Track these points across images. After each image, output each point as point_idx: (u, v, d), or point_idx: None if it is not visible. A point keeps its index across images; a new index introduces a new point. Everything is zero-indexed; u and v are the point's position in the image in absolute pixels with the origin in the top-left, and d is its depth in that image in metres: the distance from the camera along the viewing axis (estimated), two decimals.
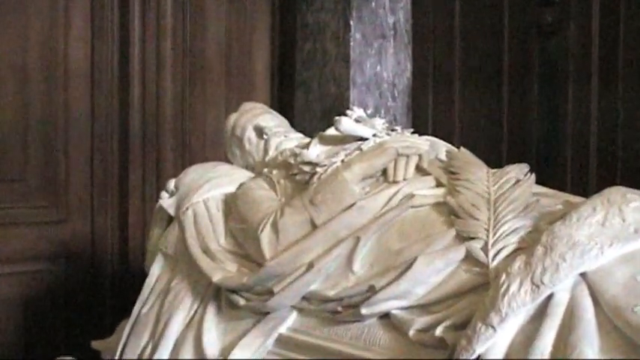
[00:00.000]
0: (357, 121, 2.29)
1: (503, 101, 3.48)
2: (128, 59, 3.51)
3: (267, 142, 2.52)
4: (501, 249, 1.76)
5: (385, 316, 1.88)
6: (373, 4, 3.61)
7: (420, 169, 2.10)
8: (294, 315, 2.05)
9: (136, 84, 3.52)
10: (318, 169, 2.15)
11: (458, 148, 2.24)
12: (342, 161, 2.14)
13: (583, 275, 1.62)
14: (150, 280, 2.38)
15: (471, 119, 3.59)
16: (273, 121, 2.61)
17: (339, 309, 1.94)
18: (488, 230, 1.80)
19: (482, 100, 3.55)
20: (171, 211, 2.43)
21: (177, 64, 3.63)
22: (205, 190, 2.39)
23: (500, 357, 1.58)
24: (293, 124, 2.80)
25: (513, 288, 1.61)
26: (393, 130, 2.29)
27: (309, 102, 3.71)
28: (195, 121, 3.69)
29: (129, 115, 3.51)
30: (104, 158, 3.50)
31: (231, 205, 2.31)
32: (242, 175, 2.46)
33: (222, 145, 2.78)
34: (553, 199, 1.94)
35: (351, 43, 3.54)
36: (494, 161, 2.23)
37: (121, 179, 3.53)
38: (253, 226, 2.12)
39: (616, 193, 1.75)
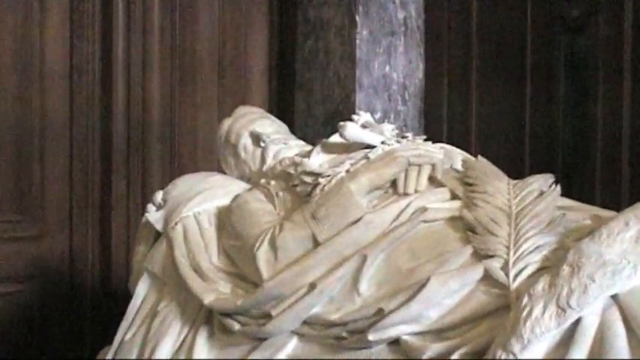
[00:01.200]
0: (363, 126, 2.30)
1: (526, 104, 3.49)
2: (111, 58, 3.52)
3: (264, 150, 2.52)
4: (523, 268, 1.76)
5: (395, 343, 1.88)
6: None
7: (433, 180, 2.10)
8: (294, 341, 2.05)
9: (119, 85, 3.53)
10: (321, 180, 2.16)
11: (475, 156, 2.24)
12: (348, 171, 2.15)
13: (614, 297, 1.63)
14: (135, 302, 2.38)
15: (490, 125, 3.60)
16: (271, 126, 2.62)
17: (344, 334, 1.94)
18: (508, 247, 1.81)
19: (503, 104, 3.56)
20: (159, 226, 2.44)
21: (166, 63, 3.65)
22: (196, 202, 2.40)
23: None
24: (293, 130, 2.82)
25: (536, 312, 1.61)
26: (403, 137, 2.30)
27: (311, 106, 3.72)
28: (185, 127, 3.70)
29: (112, 120, 3.52)
30: (84, 167, 3.51)
31: (225, 219, 2.32)
32: (237, 186, 2.47)
33: (215, 153, 2.79)
34: (581, 213, 1.94)
35: (357, 41, 3.55)
36: (516, 171, 2.24)
37: (102, 191, 3.54)
38: (249, 242, 2.13)
39: None
